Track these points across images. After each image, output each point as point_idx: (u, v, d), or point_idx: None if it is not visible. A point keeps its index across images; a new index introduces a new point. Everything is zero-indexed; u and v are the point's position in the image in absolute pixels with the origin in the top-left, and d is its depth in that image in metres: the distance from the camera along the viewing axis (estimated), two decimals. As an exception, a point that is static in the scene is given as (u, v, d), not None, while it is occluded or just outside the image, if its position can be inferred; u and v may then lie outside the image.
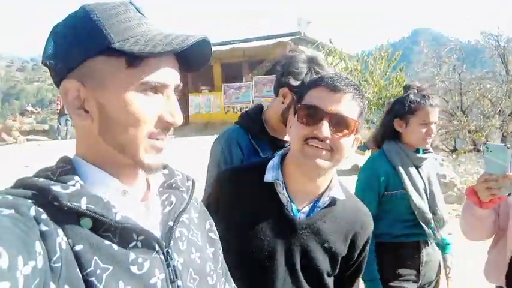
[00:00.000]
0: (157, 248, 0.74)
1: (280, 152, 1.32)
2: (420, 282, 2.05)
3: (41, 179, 0.68)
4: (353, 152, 1.25)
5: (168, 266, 0.75)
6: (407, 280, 2.01)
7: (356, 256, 1.33)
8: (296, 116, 1.18)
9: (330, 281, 1.29)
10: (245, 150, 1.66)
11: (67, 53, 0.70)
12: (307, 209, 1.23)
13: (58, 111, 15.06)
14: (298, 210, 1.23)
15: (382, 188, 2.03)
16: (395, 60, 12.41)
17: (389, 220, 2.03)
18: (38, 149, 11.81)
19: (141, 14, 0.73)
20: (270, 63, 15.12)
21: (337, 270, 1.29)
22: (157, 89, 0.71)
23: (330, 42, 16.08)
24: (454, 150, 13.58)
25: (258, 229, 1.21)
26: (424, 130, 2.01)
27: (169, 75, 0.72)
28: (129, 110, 0.69)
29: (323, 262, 1.24)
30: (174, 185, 0.87)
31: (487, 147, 1.60)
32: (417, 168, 2.09)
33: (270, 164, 1.27)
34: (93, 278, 0.64)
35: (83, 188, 0.69)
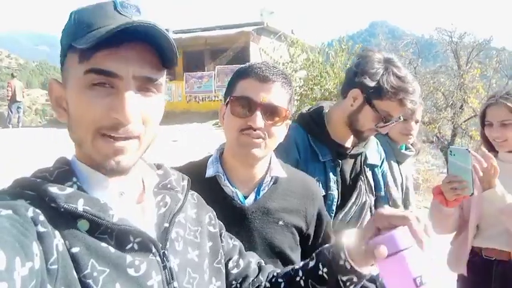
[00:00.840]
0: (153, 249, 0.75)
1: (218, 147, 1.34)
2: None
3: (39, 180, 0.68)
4: (283, 136, 1.32)
5: (165, 267, 0.75)
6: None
7: (314, 228, 1.37)
8: (229, 107, 1.20)
9: (296, 258, 1.31)
10: (303, 152, 1.57)
11: (60, 54, 0.74)
12: (253, 194, 1.27)
13: (8, 98, 14.25)
14: (245, 197, 1.26)
15: None
16: (355, 52, 12.67)
17: None
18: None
19: (118, 11, 0.70)
20: (233, 52, 15.01)
21: (299, 245, 1.32)
22: (108, 82, 0.69)
23: (292, 32, 16.17)
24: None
25: None
26: (403, 126, 2.07)
27: (118, 66, 0.68)
28: (78, 105, 0.70)
29: (285, 241, 1.27)
30: (168, 186, 0.87)
31: (451, 151, 1.72)
32: (398, 164, 2.15)
33: (209, 160, 1.30)
34: (90, 281, 0.64)
35: (80, 190, 0.70)
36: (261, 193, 1.28)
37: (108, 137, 0.69)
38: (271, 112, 1.17)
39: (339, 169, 1.64)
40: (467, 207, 1.95)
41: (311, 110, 1.72)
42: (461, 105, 13.59)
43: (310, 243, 1.37)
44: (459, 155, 1.67)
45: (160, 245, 0.76)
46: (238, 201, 1.24)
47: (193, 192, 0.99)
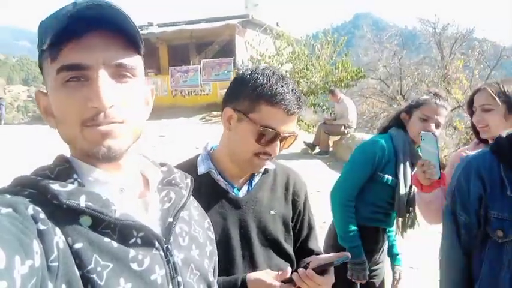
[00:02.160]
0: (157, 244, 0.74)
1: (205, 145, 1.36)
2: (369, 264, 2.14)
3: (39, 178, 0.68)
4: None
5: (168, 262, 0.75)
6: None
7: (302, 215, 1.41)
8: (251, 131, 1.19)
9: (288, 248, 1.35)
10: (490, 186, 1.30)
11: (38, 63, 0.74)
12: (246, 186, 1.32)
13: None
14: (239, 190, 1.30)
15: (377, 166, 2.05)
16: (341, 45, 12.73)
17: (364, 200, 2.09)
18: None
19: (78, 9, 0.68)
20: (218, 45, 14.92)
21: (291, 235, 1.37)
22: (81, 74, 0.68)
23: (277, 25, 16.13)
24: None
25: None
26: (422, 125, 2.00)
27: (88, 56, 0.67)
28: (58, 105, 0.70)
29: (277, 230, 1.32)
30: (173, 182, 0.87)
31: (422, 136, 1.81)
32: (412, 166, 2.12)
33: (199, 158, 1.32)
34: (94, 275, 0.64)
35: (81, 186, 0.70)
36: (253, 184, 1.33)
37: (94, 126, 0.69)
38: (287, 140, 1.23)
39: None
40: None
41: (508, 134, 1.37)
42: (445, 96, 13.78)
43: (297, 230, 1.41)
44: (428, 139, 1.75)
45: (164, 240, 0.76)
46: (233, 193, 1.28)
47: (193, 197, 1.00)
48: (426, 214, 2.04)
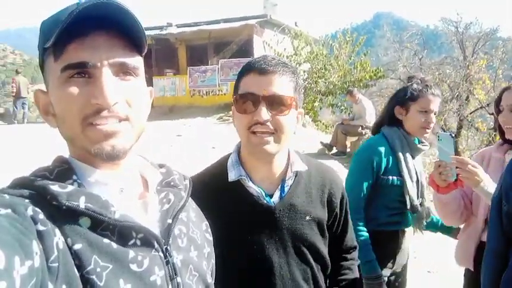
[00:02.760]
0: (156, 245, 0.75)
1: (235, 147, 1.31)
2: (394, 268, 2.11)
3: (39, 179, 0.68)
4: (299, 127, 1.29)
5: (168, 263, 0.76)
6: (385, 267, 2.05)
7: (338, 215, 1.36)
8: (235, 106, 1.19)
9: (324, 250, 1.32)
10: None
11: (39, 64, 0.75)
12: (278, 192, 1.25)
13: (13, 94, 14.30)
14: (271, 196, 1.24)
15: (378, 170, 2.00)
16: (359, 44, 12.59)
17: (376, 206, 2.03)
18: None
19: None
20: (236, 45, 14.95)
21: (327, 236, 1.33)
22: (85, 73, 0.69)
23: (296, 25, 16.08)
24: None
25: (241, 231, 1.21)
26: (423, 118, 2.00)
27: (92, 55, 0.69)
28: (59, 100, 0.70)
29: (313, 235, 1.28)
30: (172, 183, 0.87)
31: (439, 137, 1.77)
32: (412, 158, 2.09)
33: (229, 162, 1.27)
34: (93, 276, 0.64)
35: (81, 187, 0.70)
36: (285, 190, 1.26)
37: (96, 124, 0.69)
38: (275, 103, 1.14)
39: None
40: (476, 201, 1.93)
41: None
42: (467, 97, 13.49)
43: (333, 230, 1.37)
44: (445, 140, 1.71)
45: (163, 241, 0.76)
46: (265, 201, 1.22)
47: (193, 200, 1.00)
48: (443, 215, 2.00)
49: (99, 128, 0.69)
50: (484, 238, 1.89)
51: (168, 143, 9.02)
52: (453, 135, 1.73)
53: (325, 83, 11.96)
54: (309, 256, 1.27)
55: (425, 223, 2.13)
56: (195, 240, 0.88)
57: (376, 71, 11.96)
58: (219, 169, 1.27)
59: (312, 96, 12.12)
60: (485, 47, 14.17)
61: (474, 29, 14.61)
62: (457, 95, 13.44)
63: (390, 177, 2.00)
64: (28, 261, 0.56)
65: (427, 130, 2.03)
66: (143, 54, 0.78)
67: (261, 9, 16.63)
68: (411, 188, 2.02)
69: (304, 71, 12.45)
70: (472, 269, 1.95)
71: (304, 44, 12.67)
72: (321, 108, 12.37)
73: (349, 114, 10.70)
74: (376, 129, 2.19)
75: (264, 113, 1.13)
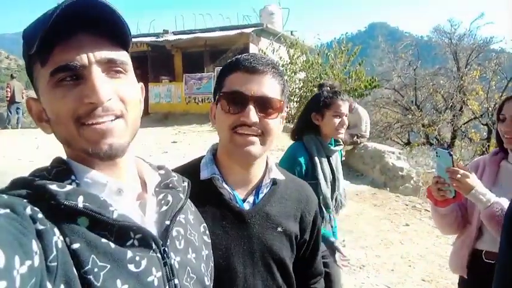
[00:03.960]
0: (154, 246, 0.75)
1: (210, 147, 1.26)
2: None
3: (37, 179, 0.68)
4: (280, 130, 1.22)
5: (165, 264, 0.76)
6: None
7: (309, 234, 1.31)
8: (219, 105, 1.13)
9: (290, 264, 1.25)
10: None
11: (26, 70, 0.75)
12: (251, 197, 1.20)
13: (8, 99, 14.22)
14: (244, 200, 1.19)
15: (299, 177, 2.08)
16: (355, 54, 12.68)
17: None
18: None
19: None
20: (232, 53, 15.00)
21: (294, 253, 1.26)
22: (75, 74, 0.69)
23: (292, 34, 16.17)
24: (408, 143, 14.16)
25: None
26: (337, 121, 2.31)
27: (79, 56, 0.68)
28: (51, 104, 0.70)
29: (282, 247, 1.20)
30: (170, 185, 0.87)
31: (437, 153, 1.80)
32: (328, 158, 2.37)
33: (203, 161, 1.22)
34: (90, 276, 0.64)
35: (79, 187, 0.70)
36: (260, 196, 1.20)
37: (91, 124, 0.69)
38: (264, 105, 1.10)
39: None
40: (471, 208, 1.94)
41: None
42: (461, 108, 13.61)
43: (302, 250, 1.31)
44: (443, 157, 1.73)
45: (161, 242, 0.76)
46: (237, 205, 1.16)
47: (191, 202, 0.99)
48: (440, 226, 2.03)
49: (94, 127, 0.69)
50: (478, 246, 1.90)
51: (163, 149, 8.98)
52: (451, 152, 1.74)
53: (321, 91, 12.02)
54: (277, 272, 1.20)
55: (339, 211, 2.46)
56: (193, 243, 0.88)
57: (371, 80, 12.03)
58: (192, 168, 1.20)
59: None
60: (479, 58, 14.33)
61: (467, 41, 14.79)
62: (451, 106, 13.56)
63: (309, 182, 2.12)
64: (28, 260, 0.56)
65: (341, 131, 2.34)
66: (128, 49, 0.78)
67: (257, 18, 16.76)
68: (325, 188, 2.28)
69: (299, 80, 12.49)
70: (466, 277, 1.95)
71: (300, 53, 12.73)
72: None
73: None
74: (296, 135, 2.45)
75: (253, 115, 1.08)
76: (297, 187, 1.31)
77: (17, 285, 0.52)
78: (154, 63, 16.11)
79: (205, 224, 0.99)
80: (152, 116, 15.19)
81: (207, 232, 0.98)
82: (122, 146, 0.72)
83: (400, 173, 7.26)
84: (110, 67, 0.72)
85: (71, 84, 0.69)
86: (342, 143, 2.47)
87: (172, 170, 1.18)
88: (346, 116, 2.34)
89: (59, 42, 0.68)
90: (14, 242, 0.55)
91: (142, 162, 0.88)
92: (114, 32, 0.72)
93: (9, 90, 13.99)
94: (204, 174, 1.17)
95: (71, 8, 0.65)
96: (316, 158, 2.28)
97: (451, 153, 1.73)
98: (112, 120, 0.71)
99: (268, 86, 1.11)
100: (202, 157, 1.25)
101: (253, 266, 1.16)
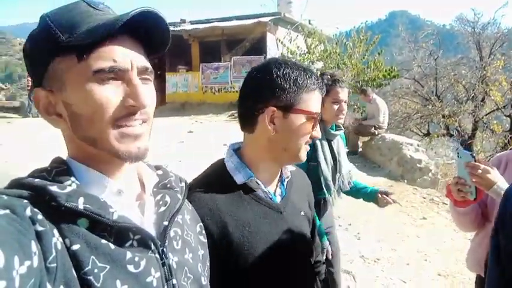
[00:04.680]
0: (152, 247, 0.75)
1: (230, 151, 1.26)
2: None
3: (37, 179, 0.68)
4: None
5: (164, 264, 0.76)
6: None
7: (313, 214, 1.47)
8: (304, 122, 1.18)
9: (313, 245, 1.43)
10: None
11: (33, 61, 0.73)
12: (278, 189, 1.29)
13: (28, 88, 14.53)
14: (274, 195, 1.26)
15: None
16: (374, 43, 12.45)
17: None
18: (8, 126, 11.41)
19: (93, 7, 0.73)
20: (249, 43, 14.93)
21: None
22: (116, 75, 0.70)
23: (309, 23, 15.96)
24: (428, 134, 13.90)
25: (255, 238, 1.16)
26: (336, 107, 2.45)
27: (124, 59, 0.71)
28: (89, 101, 0.70)
29: (307, 229, 1.35)
30: (168, 186, 0.88)
31: (458, 153, 1.76)
32: (329, 142, 2.51)
33: (230, 165, 1.22)
34: (90, 277, 0.64)
35: (79, 188, 0.70)
36: (285, 187, 1.31)
37: (126, 126, 0.71)
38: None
39: None
40: (491, 205, 1.89)
41: None
42: (483, 98, 13.24)
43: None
44: (465, 158, 1.68)
45: (159, 243, 0.77)
46: (273, 200, 1.24)
47: (189, 202, 1.01)
48: (458, 223, 1.99)
49: (129, 130, 0.72)
50: None
51: (179, 139, 9.05)
52: (474, 155, 1.69)
53: (338, 81, 11.86)
54: (307, 252, 1.35)
55: (341, 193, 2.57)
56: (189, 243, 0.88)
57: (390, 70, 11.80)
58: (220, 175, 1.21)
59: (324, 95, 12.04)
60: (503, 48, 13.87)
61: (491, 30, 14.33)
62: (473, 96, 13.20)
63: (311, 164, 2.38)
64: (27, 261, 0.56)
65: (341, 116, 2.48)
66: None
67: (274, 6, 16.59)
68: (325, 169, 2.42)
69: (317, 70, 12.37)
70: (483, 275, 1.90)
71: (318, 42, 12.56)
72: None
73: (361, 113, 10.60)
74: None
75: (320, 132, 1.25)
76: (301, 174, 1.47)
77: (16, 285, 0.53)
78: (171, 52, 16.14)
79: (201, 224, 1.00)
80: (169, 106, 15.30)
81: (203, 232, 0.99)
82: (146, 150, 0.75)
83: (418, 165, 7.14)
84: (143, 73, 0.74)
85: (114, 84, 0.70)
86: (342, 127, 2.64)
87: (200, 183, 1.20)
88: (345, 102, 2.48)
89: (104, 40, 0.68)
90: (13, 242, 0.55)
91: (140, 163, 0.88)
92: (150, 40, 0.76)
93: (29, 78, 14.27)
94: (240, 179, 1.20)
95: (138, 16, 0.68)
96: (317, 142, 2.40)
97: (474, 155, 1.68)
98: (140, 124, 0.74)
99: None
100: (219, 164, 1.26)
101: (295, 252, 1.26)
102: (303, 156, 1.23)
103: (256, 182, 1.21)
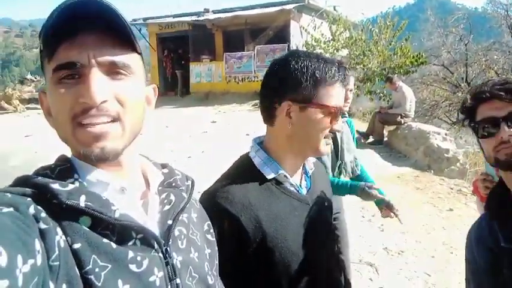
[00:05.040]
0: (156, 246, 0.75)
1: (255, 147, 1.26)
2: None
3: (40, 177, 0.68)
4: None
5: (167, 264, 0.75)
6: None
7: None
8: (322, 115, 1.16)
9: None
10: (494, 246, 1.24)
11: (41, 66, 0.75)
12: (303, 182, 1.29)
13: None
14: (301, 187, 1.27)
15: None
16: (401, 29, 12.09)
17: None
18: (38, 118, 11.78)
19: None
20: (272, 31, 14.79)
21: None
22: (76, 73, 0.69)
23: (335, 9, 15.65)
24: (457, 122, 13.49)
25: (286, 230, 1.16)
26: None
27: (80, 55, 0.68)
28: (53, 103, 0.71)
29: (331, 219, 1.38)
30: (173, 184, 0.87)
31: None
32: None
33: (258, 161, 1.22)
34: (91, 276, 0.64)
35: (82, 186, 0.70)
36: (309, 178, 1.32)
37: (86, 125, 0.69)
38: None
39: None
40: None
41: None
42: (517, 85, 12.67)
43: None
44: None
45: (163, 242, 0.76)
46: (300, 193, 1.25)
47: (196, 198, 0.99)
48: None
49: (88, 129, 0.69)
50: None
51: (203, 129, 9.12)
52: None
53: (364, 69, 11.61)
54: (336, 247, 1.42)
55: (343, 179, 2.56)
56: (195, 242, 0.87)
57: (417, 56, 11.45)
58: (249, 172, 1.21)
59: (349, 83, 11.83)
60: (539, 31, 13.22)
61: (527, 12, 13.65)
62: (506, 83, 12.67)
63: None
64: (30, 259, 0.56)
65: (346, 104, 2.48)
66: (139, 50, 0.76)
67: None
68: (326, 160, 2.44)
69: (342, 57, 12.13)
70: None
71: (343, 29, 12.30)
72: (358, 96, 12.05)
73: (388, 101, 10.37)
74: None
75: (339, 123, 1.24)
76: (318, 163, 1.44)
77: (19, 284, 0.53)
78: (195, 42, 16.22)
79: (209, 222, 0.99)
80: (193, 96, 15.42)
81: (211, 230, 0.98)
82: (114, 150, 0.71)
83: (445, 155, 6.94)
84: (112, 69, 0.71)
85: (71, 82, 0.69)
86: (347, 114, 2.76)
87: (224, 176, 1.21)
88: (350, 90, 2.54)
89: (64, 40, 0.68)
90: (17, 240, 0.55)
91: (146, 161, 0.88)
92: (118, 33, 0.71)
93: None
94: (270, 173, 1.19)
95: (73, 7, 0.65)
96: None
97: None
98: (107, 123, 0.70)
99: None
100: (246, 159, 1.25)
101: (325, 243, 1.28)
102: (323, 150, 1.21)
103: (285, 176, 1.21)
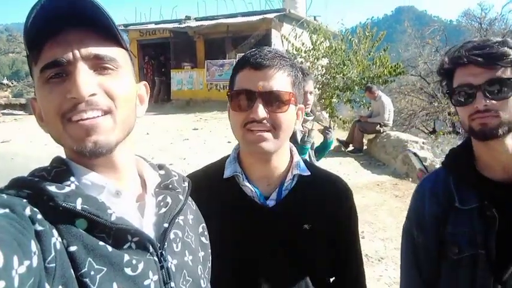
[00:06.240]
0: (151, 249, 0.74)
1: (236, 145, 1.25)
2: None
3: (36, 179, 0.68)
4: (299, 124, 1.24)
5: (162, 267, 0.75)
6: None
7: (343, 234, 1.24)
8: (231, 103, 1.12)
9: (326, 272, 1.24)
10: (443, 200, 1.24)
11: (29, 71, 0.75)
12: (274, 194, 1.17)
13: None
14: (267, 197, 1.16)
15: None
16: (379, 40, 12.36)
17: None
18: (14, 124, 11.48)
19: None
20: (254, 39, 14.88)
21: (331, 256, 1.21)
22: (63, 71, 0.68)
23: (315, 19, 15.88)
24: (433, 132, 13.81)
25: (233, 231, 1.13)
26: (303, 99, 2.67)
27: (64, 52, 0.68)
28: (43, 103, 0.70)
29: (308, 247, 1.16)
30: (170, 186, 0.87)
31: (409, 156, 1.79)
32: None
33: (227, 160, 1.23)
34: (87, 279, 0.64)
35: (78, 189, 0.69)
36: (284, 193, 1.17)
37: (76, 120, 0.68)
38: (272, 99, 1.07)
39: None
40: None
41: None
42: (490, 95, 13.11)
43: (337, 250, 1.23)
44: (412, 157, 1.78)
45: (158, 245, 0.76)
46: (259, 202, 1.15)
47: (192, 199, 0.99)
48: None
49: (78, 124, 0.68)
50: None
51: (184, 136, 9.07)
52: (414, 151, 1.88)
53: (344, 78, 11.80)
54: (305, 272, 1.17)
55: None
56: (190, 245, 0.87)
57: (395, 66, 11.72)
58: (217, 167, 1.23)
59: (329, 92, 11.98)
60: (511, 44, 13.74)
61: (498, 26, 14.19)
62: (479, 93, 13.09)
63: None
64: (26, 260, 0.56)
65: (307, 106, 2.88)
66: (124, 45, 0.75)
67: (279, 3, 16.51)
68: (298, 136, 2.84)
69: (322, 66, 12.30)
70: None
71: (323, 38, 12.49)
72: (338, 102, 12.22)
73: (368, 108, 10.55)
74: None
75: (261, 111, 1.05)
76: (326, 182, 1.25)
77: (15, 285, 0.53)
78: (176, 49, 16.15)
79: (204, 224, 0.98)
80: (174, 103, 15.31)
81: (206, 233, 0.98)
82: (108, 144, 0.71)
83: (423, 163, 7.10)
84: (98, 63, 0.71)
85: (58, 81, 0.69)
86: (311, 114, 3.16)
87: (198, 171, 1.23)
88: (310, 93, 2.90)
89: (47, 39, 0.68)
90: (13, 242, 0.55)
91: (143, 162, 0.88)
92: (101, 27, 0.71)
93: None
94: (227, 173, 1.18)
95: (53, 6, 0.65)
96: None
97: (413, 151, 1.85)
98: (98, 117, 0.69)
99: (275, 80, 1.08)
100: (227, 156, 1.26)
101: (277, 266, 1.15)
102: (251, 147, 1.10)
103: (242, 179, 1.16)
